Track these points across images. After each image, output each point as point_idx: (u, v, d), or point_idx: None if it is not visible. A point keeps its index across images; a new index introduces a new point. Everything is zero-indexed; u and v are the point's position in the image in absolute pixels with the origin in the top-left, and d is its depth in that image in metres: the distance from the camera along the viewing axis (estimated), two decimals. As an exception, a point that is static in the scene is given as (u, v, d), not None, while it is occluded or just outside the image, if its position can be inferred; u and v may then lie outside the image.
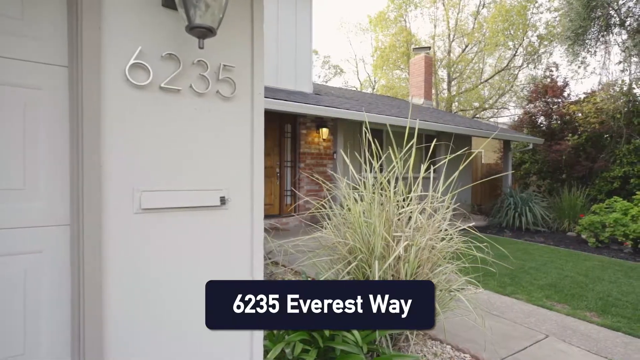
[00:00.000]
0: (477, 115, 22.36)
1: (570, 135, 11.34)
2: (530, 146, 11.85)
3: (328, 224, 3.27)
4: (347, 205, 3.16)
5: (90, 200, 1.52)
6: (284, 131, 8.48)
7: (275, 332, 2.36)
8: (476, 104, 22.68)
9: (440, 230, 3.06)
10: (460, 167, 3.09)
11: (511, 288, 4.58)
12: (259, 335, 1.93)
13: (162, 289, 1.72)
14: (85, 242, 1.51)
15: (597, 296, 4.38)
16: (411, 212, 3.01)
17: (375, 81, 27.46)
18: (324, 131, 8.60)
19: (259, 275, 1.89)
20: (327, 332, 2.29)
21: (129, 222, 1.61)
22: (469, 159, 3.20)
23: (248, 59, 1.90)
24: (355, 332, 2.33)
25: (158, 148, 1.68)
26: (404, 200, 3.07)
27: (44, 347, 1.57)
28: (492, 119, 22.68)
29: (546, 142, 11.50)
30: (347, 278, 2.92)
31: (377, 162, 3.12)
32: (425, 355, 2.90)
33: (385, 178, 3.04)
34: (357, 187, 3.18)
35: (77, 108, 1.53)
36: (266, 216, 7.51)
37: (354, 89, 27.27)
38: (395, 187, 3.03)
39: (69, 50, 1.56)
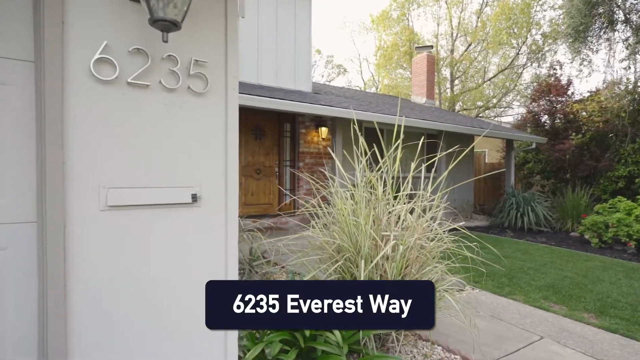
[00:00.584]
0: (480, 115, 22.16)
1: (574, 134, 11.18)
2: (534, 145, 11.70)
3: (317, 223, 3.23)
4: (335, 205, 3.12)
5: (53, 197, 1.49)
6: (283, 130, 8.46)
7: (259, 332, 2.32)
8: (480, 103, 22.49)
9: (431, 230, 3.01)
10: (450, 167, 3.03)
11: (508, 289, 4.50)
12: (232, 335, 1.88)
13: (130, 288, 1.68)
14: (48, 239, 1.49)
15: (596, 297, 4.29)
16: (400, 211, 2.96)
17: (378, 81, 27.36)
18: (323, 130, 8.55)
19: (234, 275, 1.85)
20: (307, 332, 2.25)
21: (94, 220, 1.58)
22: (460, 157, 3.13)
23: (222, 54, 1.86)
24: (337, 332, 2.28)
25: (126, 144, 1.65)
26: (395, 199, 3.02)
27: (9, 347, 1.54)
28: (496, 118, 22.47)
29: (550, 141, 11.33)
30: (333, 277, 2.88)
31: (365, 160, 3.07)
32: (415, 357, 2.85)
33: (374, 177, 2.99)
34: (350, 186, 3.14)
35: (41, 104, 1.50)
36: (265, 215, 7.53)
37: (358, 88, 27.20)
38: (385, 186, 2.98)
39: (35, 45, 1.53)
